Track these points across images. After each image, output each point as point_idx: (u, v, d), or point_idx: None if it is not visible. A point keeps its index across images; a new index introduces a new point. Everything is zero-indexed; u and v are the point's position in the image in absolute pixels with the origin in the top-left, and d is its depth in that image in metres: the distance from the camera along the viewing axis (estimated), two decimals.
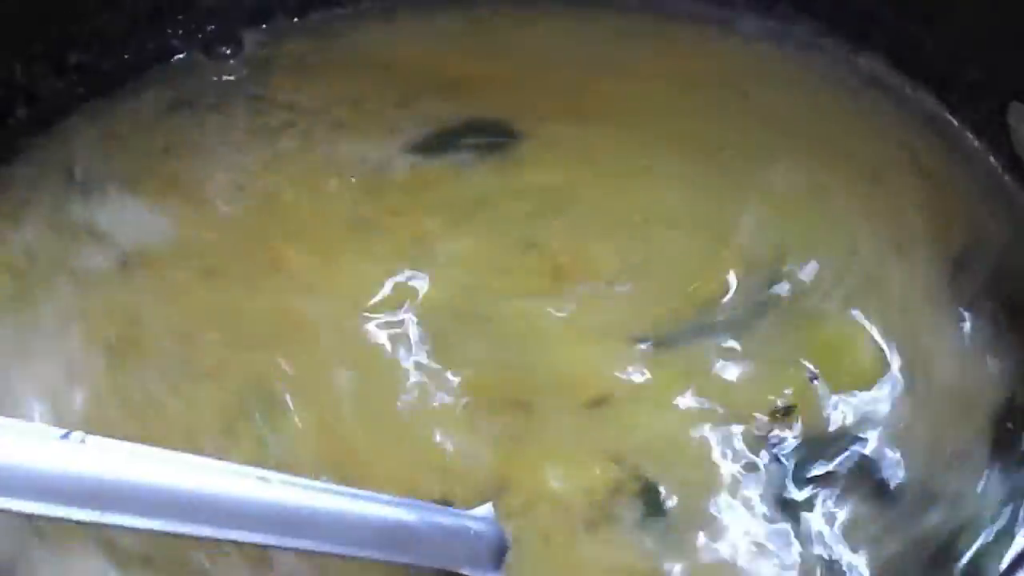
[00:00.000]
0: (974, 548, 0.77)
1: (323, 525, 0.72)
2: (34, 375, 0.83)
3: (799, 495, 0.80)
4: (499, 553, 0.77)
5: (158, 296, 0.87)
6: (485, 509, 0.79)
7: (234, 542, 0.73)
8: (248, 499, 0.70)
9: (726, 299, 0.86)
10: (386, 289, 0.87)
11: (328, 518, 0.72)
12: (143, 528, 0.73)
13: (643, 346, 0.85)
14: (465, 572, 0.76)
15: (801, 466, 0.81)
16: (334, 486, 0.75)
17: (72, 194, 0.92)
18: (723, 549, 0.78)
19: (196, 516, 0.69)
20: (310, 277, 0.88)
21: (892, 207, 0.90)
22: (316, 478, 0.76)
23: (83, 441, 0.67)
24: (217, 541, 0.76)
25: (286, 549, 0.75)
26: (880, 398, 0.82)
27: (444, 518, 0.76)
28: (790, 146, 0.93)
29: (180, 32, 0.99)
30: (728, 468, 0.80)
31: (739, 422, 0.82)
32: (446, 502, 0.79)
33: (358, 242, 0.90)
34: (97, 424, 0.80)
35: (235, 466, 0.73)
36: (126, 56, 0.98)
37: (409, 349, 0.85)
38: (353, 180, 0.92)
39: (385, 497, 0.76)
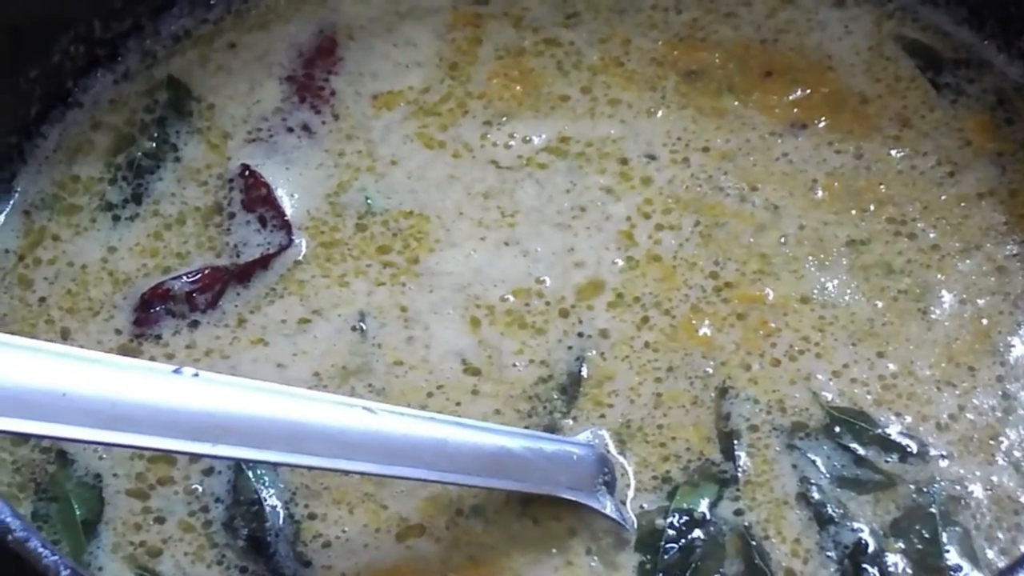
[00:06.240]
0: None
1: (428, 454, 0.73)
2: None
3: None
4: (599, 478, 0.78)
5: None
6: (586, 435, 0.80)
7: (342, 471, 0.75)
8: (355, 429, 0.71)
9: None
10: None
11: (433, 446, 0.73)
12: (254, 460, 0.75)
13: None
14: (567, 496, 0.77)
15: None
16: (437, 415, 0.76)
17: None
18: None
19: (304, 447, 0.70)
20: None
21: None
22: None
23: (196, 375, 0.68)
24: (325, 471, 0.77)
25: (391, 478, 0.77)
26: None
27: (547, 444, 0.78)
28: None
29: None
30: None
31: None
32: None
33: None
34: None
35: (342, 397, 0.74)
36: None
37: None
38: None
39: (488, 425, 0.78)
